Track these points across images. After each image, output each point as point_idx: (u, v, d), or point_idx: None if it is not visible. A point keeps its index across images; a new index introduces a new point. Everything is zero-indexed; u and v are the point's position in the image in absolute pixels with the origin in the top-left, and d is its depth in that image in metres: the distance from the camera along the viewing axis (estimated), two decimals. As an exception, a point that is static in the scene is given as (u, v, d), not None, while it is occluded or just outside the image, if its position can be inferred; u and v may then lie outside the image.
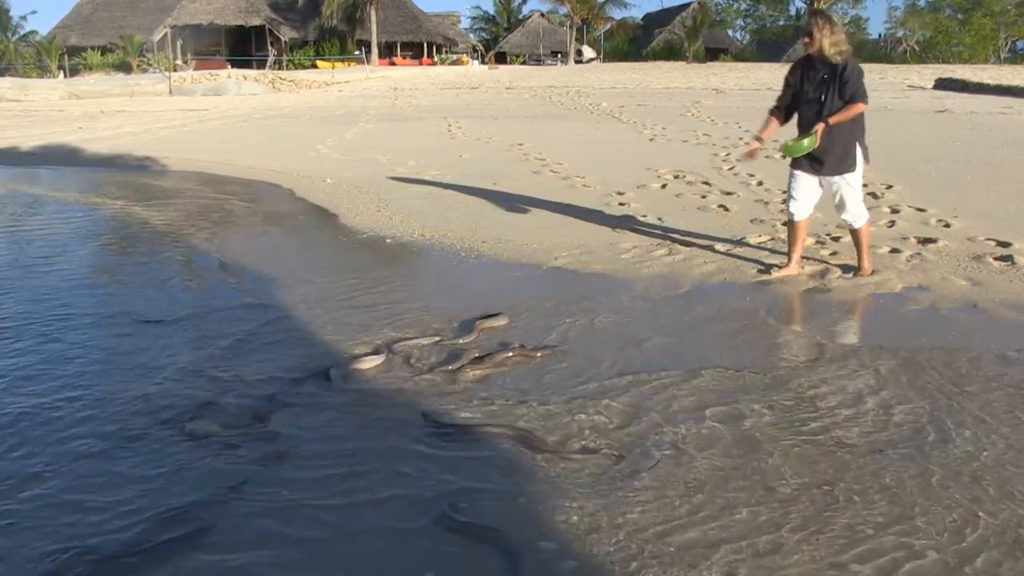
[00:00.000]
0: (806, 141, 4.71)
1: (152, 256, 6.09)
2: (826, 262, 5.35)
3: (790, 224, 5.12)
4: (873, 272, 5.03)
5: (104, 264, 6.02)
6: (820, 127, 4.69)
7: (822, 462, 2.74)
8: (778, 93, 5.10)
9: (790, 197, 5.03)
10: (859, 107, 4.68)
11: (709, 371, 3.53)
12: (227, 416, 3.12)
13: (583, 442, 2.87)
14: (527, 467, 2.72)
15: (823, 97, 4.71)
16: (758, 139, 5.14)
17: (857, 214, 4.93)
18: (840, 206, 4.95)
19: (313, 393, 3.35)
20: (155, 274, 5.51)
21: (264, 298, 4.76)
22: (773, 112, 5.08)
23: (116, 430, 3.02)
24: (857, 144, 4.81)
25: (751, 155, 5.24)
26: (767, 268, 5.23)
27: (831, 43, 4.66)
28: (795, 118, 4.99)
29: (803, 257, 5.29)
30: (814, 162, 4.85)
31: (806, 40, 4.76)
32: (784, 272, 5.09)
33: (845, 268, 5.18)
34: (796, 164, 4.97)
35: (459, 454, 2.83)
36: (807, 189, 4.96)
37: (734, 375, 3.50)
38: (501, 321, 4.20)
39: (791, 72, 4.97)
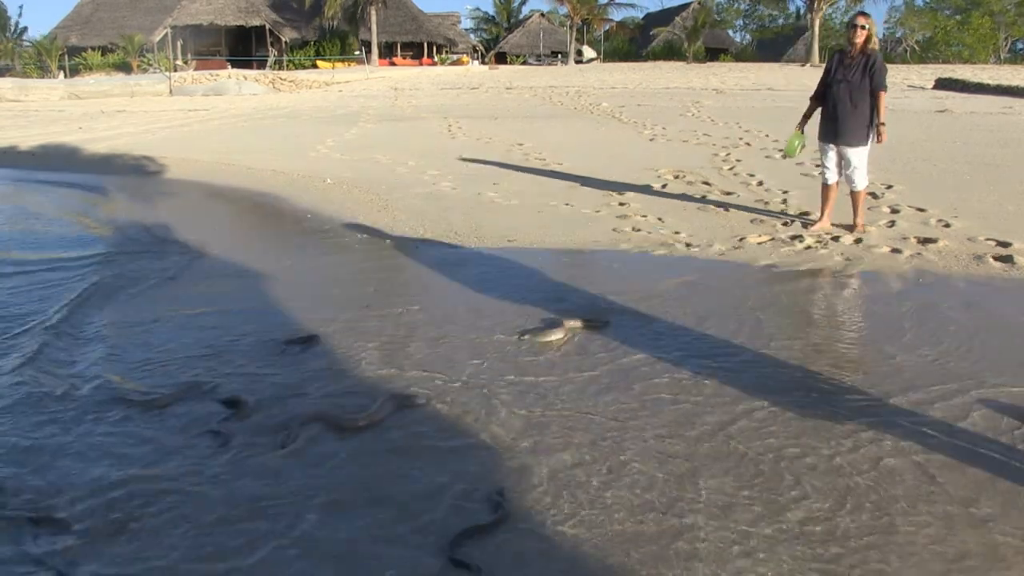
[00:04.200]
0: (796, 141, 6.33)
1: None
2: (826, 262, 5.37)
3: (824, 187, 6.26)
4: (864, 228, 6.10)
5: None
6: (798, 130, 6.33)
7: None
8: (803, 90, 5.63)
9: (823, 167, 6.24)
10: (882, 96, 5.85)
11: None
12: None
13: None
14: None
15: (852, 76, 5.87)
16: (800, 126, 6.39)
17: (861, 179, 6.06)
18: (851, 173, 6.07)
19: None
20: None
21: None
22: (813, 99, 6.29)
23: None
24: (868, 125, 5.94)
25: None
26: (803, 224, 6.32)
27: (871, 35, 5.90)
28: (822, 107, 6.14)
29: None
30: (837, 134, 6.00)
31: (858, 32, 5.81)
32: (817, 227, 6.18)
33: (847, 270, 5.19)
34: (823, 138, 6.14)
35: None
36: (833, 158, 6.12)
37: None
38: None
39: (829, 60, 6.18)
